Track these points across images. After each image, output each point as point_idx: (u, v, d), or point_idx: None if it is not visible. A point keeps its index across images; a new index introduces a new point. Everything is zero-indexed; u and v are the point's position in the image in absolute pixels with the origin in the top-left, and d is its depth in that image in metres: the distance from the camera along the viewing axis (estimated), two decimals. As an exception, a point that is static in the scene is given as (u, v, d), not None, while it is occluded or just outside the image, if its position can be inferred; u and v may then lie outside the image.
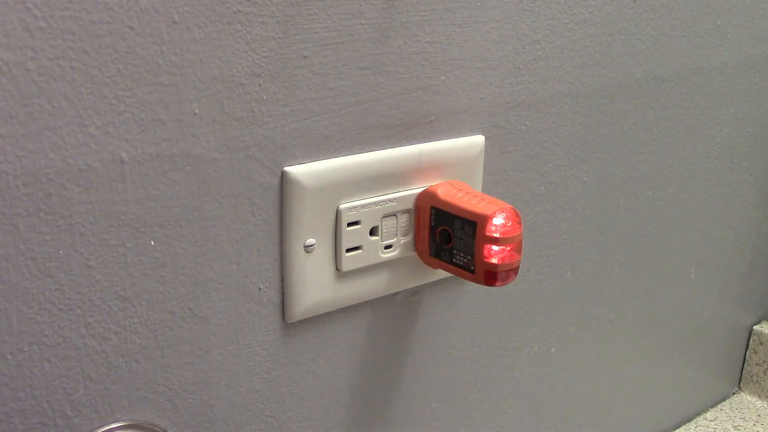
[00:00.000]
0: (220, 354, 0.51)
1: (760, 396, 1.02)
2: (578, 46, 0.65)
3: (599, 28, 0.66)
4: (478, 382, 0.69)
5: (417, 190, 0.57)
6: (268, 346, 0.53)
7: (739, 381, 1.04)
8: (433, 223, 0.56)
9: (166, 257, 0.47)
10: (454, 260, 0.55)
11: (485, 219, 0.53)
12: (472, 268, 0.54)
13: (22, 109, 0.39)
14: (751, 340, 1.02)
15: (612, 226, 0.76)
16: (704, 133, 0.82)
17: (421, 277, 0.60)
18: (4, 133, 0.39)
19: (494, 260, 0.53)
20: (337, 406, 0.59)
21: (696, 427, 0.96)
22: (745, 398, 1.03)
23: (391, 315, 0.60)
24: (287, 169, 0.50)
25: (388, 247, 0.56)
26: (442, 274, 0.61)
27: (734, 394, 1.04)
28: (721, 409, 1.00)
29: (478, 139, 0.60)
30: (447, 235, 0.56)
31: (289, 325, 0.54)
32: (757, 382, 1.02)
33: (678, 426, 0.96)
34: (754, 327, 1.02)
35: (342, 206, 0.53)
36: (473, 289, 0.65)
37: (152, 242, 0.46)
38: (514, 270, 0.54)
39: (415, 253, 0.58)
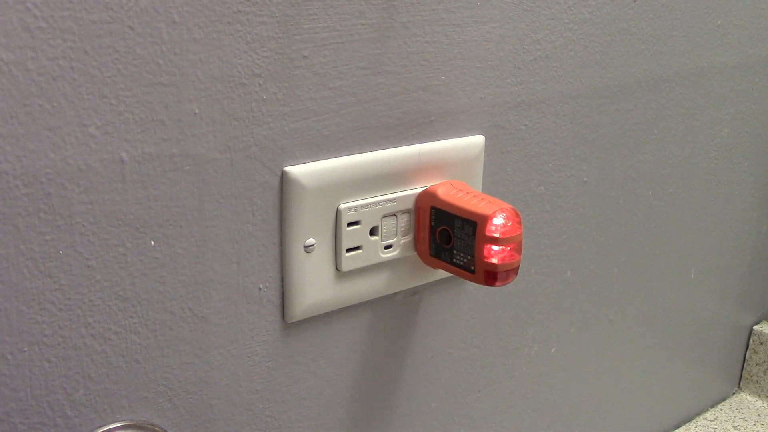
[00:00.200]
0: (220, 354, 0.51)
1: (760, 396, 1.02)
2: (578, 46, 0.65)
3: (599, 28, 0.66)
4: (478, 382, 0.69)
5: (417, 190, 0.57)
6: (268, 346, 0.53)
7: (739, 381, 1.04)
8: (433, 223, 0.56)
9: (166, 257, 0.47)
10: (454, 260, 0.55)
11: (485, 219, 0.53)
12: (472, 268, 0.54)
13: (22, 109, 0.39)
14: (751, 340, 1.02)
15: (612, 226, 0.76)
16: (704, 133, 0.82)
17: (421, 277, 0.60)
18: (4, 133, 0.39)
19: (494, 260, 0.53)
20: (337, 406, 0.59)
21: (696, 427, 0.96)
22: (745, 398, 1.03)
23: (391, 315, 0.60)
24: (287, 169, 0.50)
25: (388, 247, 0.56)
26: (442, 274, 0.61)
27: (734, 394, 1.04)
28: (721, 409, 1.00)
29: (478, 139, 0.60)
30: (447, 235, 0.56)
31: (289, 325, 0.54)
32: (757, 382, 1.02)
33: (678, 426, 0.96)
34: (754, 327, 1.02)
35: (342, 206, 0.53)
36: (473, 289, 0.65)
37: (152, 242, 0.46)
38: (514, 270, 0.54)
39: (415, 253, 0.58)
